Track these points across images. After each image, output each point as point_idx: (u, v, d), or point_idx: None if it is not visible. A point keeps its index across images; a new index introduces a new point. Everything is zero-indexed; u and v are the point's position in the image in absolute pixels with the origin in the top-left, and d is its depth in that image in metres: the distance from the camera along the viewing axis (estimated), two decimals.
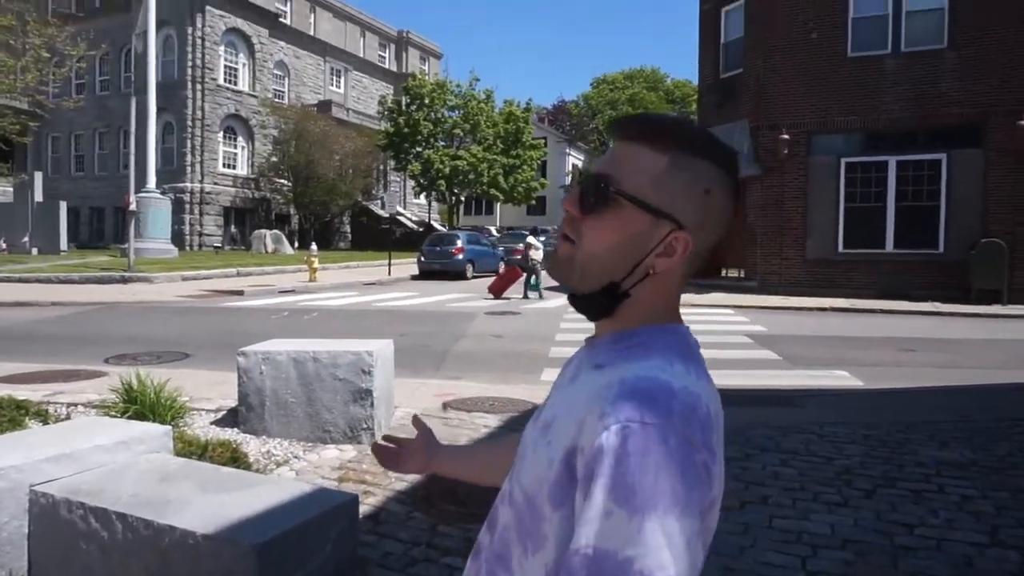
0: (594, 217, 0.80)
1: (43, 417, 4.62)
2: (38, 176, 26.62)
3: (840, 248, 15.48)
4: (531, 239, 16.81)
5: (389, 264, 21.55)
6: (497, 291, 16.04)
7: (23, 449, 2.97)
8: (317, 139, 35.27)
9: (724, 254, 18.27)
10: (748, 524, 3.40)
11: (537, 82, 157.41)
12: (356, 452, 4.41)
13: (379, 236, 34.16)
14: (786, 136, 15.34)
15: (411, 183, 42.57)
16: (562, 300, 15.36)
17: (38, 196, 25.47)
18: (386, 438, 1.26)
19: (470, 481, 1.20)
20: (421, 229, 39.17)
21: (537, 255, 16.19)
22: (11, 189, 28.19)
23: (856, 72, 15.10)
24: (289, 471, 4.11)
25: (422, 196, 42.79)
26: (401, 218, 41.37)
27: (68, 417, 4.65)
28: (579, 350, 0.91)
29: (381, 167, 42.72)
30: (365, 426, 4.51)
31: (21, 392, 5.16)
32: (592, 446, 0.69)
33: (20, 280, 16.77)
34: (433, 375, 6.90)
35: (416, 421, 1.26)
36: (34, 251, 24.47)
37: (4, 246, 25.54)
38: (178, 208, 30.96)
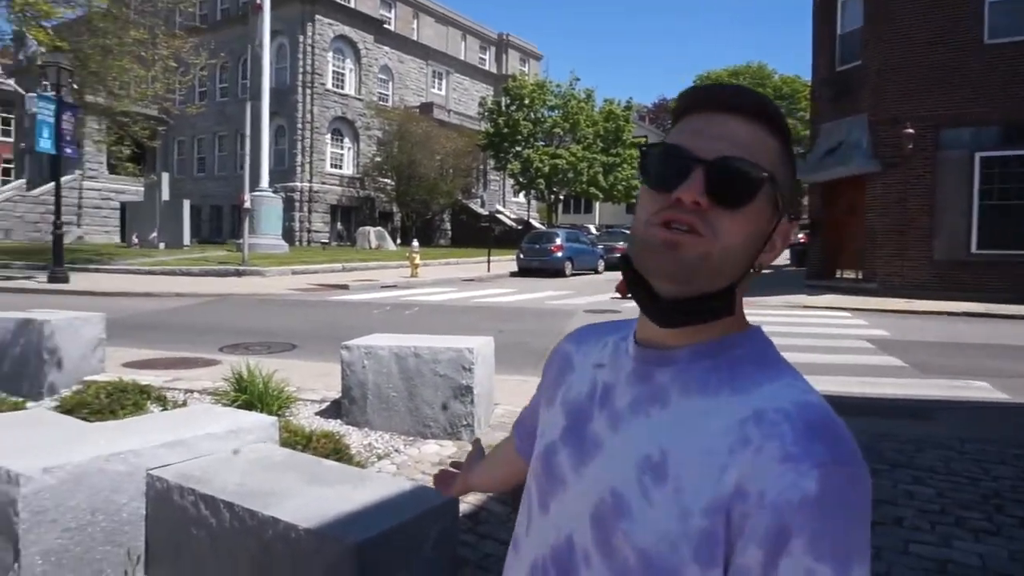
0: (731, 209, 0.70)
1: (163, 402, 4.82)
2: (165, 177, 28.58)
3: (973, 248, 14.24)
4: None
5: (488, 261, 21.70)
6: (625, 289, 15.51)
7: (141, 434, 3.06)
8: (419, 140, 36.11)
9: (836, 254, 17.28)
10: (881, 548, 3.07)
11: (638, 81, 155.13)
12: (456, 448, 4.35)
13: (478, 233, 34.56)
14: (911, 130, 14.26)
15: (510, 182, 42.84)
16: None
17: (165, 195, 27.32)
18: (453, 464, 1.29)
19: (499, 491, 1.22)
20: (520, 227, 39.34)
21: None
22: (142, 189, 30.44)
23: (994, 60, 13.83)
24: (390, 465, 4.09)
25: (521, 195, 42.97)
26: (500, 216, 41.70)
27: (184, 403, 4.83)
28: (604, 362, 0.83)
29: (481, 166, 43.26)
30: (465, 423, 4.45)
31: (145, 377, 5.43)
32: (776, 494, 0.62)
33: (148, 272, 17.99)
34: (533, 373, 6.78)
35: (475, 443, 1.27)
36: (161, 245, 26.26)
37: (136, 241, 27.56)
38: (289, 206, 32.42)
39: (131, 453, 2.86)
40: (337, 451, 4.02)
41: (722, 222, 0.70)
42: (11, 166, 37.60)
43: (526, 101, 39.02)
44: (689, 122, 0.75)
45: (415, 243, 20.04)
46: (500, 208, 43.06)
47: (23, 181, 34.70)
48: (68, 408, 4.46)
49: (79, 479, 2.68)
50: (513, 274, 21.37)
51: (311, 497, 2.69)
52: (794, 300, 14.22)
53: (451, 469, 1.27)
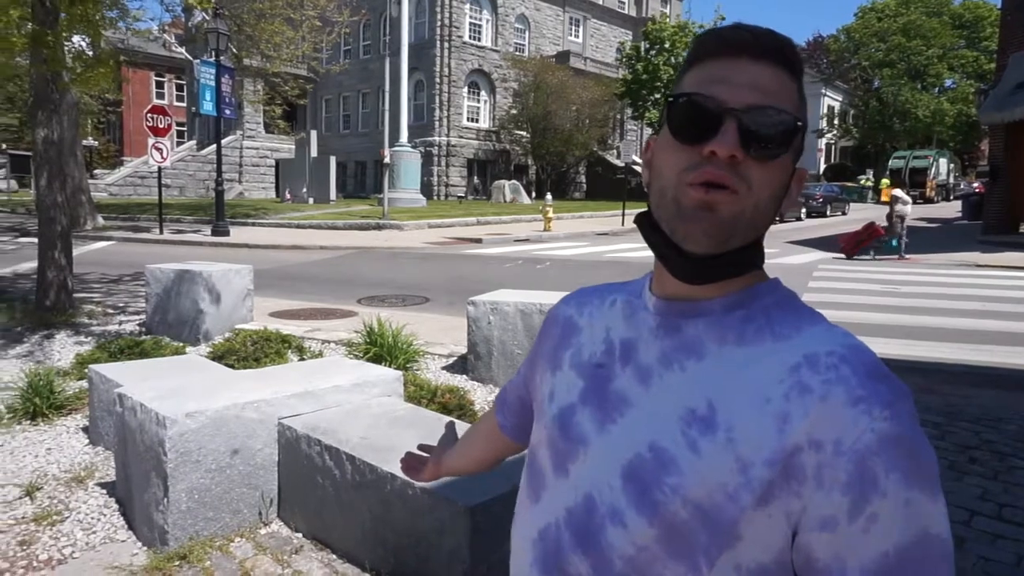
0: (767, 159, 0.68)
1: (301, 352, 5.08)
2: (313, 134, 30.13)
3: None
4: (898, 191, 14.16)
5: (623, 214, 21.23)
6: (849, 248, 13.81)
7: (275, 384, 3.20)
8: (554, 90, 35.62)
9: (1020, 206, 15.34)
10: None
11: (789, 17, 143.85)
12: None
13: (613, 186, 33.87)
14: None
15: (648, 132, 41.48)
16: (814, 255, 13.98)
17: (313, 152, 28.85)
18: (421, 447, 1.25)
19: (475, 473, 1.17)
20: None
21: (905, 209, 13.66)
22: (293, 147, 32.31)
23: None
24: None
25: None
26: (636, 167, 40.61)
27: (320, 354, 5.06)
28: (616, 321, 0.81)
29: (617, 116, 42.12)
30: None
31: (287, 327, 5.75)
32: (855, 440, 0.61)
33: (297, 226, 19.16)
34: None
35: (447, 426, 1.24)
36: (310, 200, 27.88)
37: (289, 196, 29.44)
38: (427, 160, 33.25)
39: (264, 402, 2.99)
40: (461, 407, 4.05)
41: (755, 174, 0.68)
42: (184, 128, 41.12)
43: (667, 45, 37.28)
44: (710, 69, 0.71)
45: (548, 196, 19.92)
46: (636, 159, 41.90)
47: (193, 142, 37.91)
48: (218, 355, 4.80)
49: (218, 424, 2.84)
50: None
51: None
52: (965, 258, 12.83)
53: (419, 453, 1.25)
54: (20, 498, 3.14)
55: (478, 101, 38.75)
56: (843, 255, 13.76)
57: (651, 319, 0.76)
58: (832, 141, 57.13)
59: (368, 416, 3.12)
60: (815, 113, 51.04)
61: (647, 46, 38.23)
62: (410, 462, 1.24)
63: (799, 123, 0.69)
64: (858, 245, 13.83)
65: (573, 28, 44.34)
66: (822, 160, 55.05)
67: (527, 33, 40.99)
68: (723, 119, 0.67)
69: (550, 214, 18.86)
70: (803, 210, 25.92)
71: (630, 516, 0.69)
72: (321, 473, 2.83)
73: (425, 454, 1.25)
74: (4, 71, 7.71)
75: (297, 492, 2.98)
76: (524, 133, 37.50)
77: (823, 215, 27.65)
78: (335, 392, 3.23)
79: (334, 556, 2.77)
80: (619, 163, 35.38)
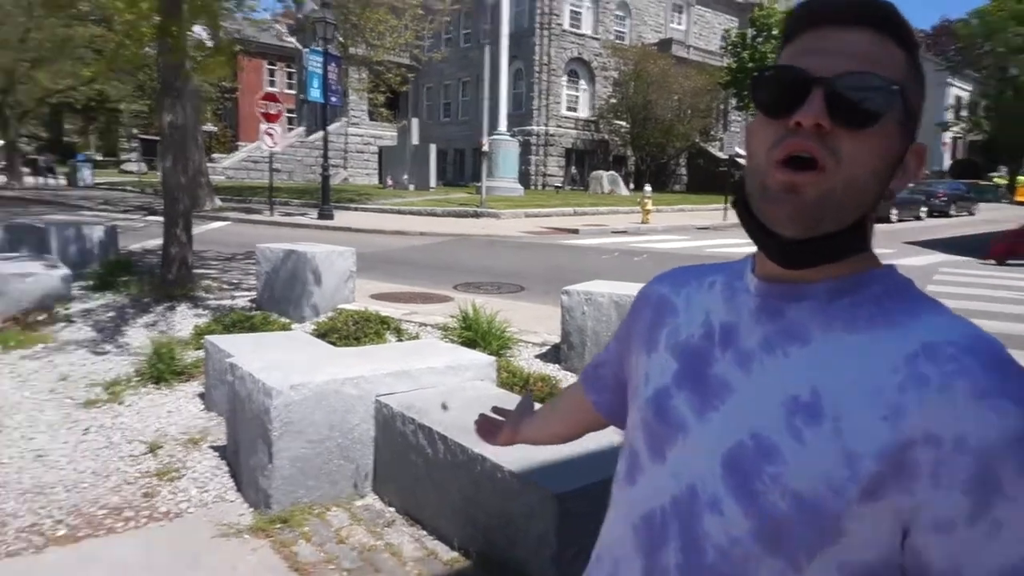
0: (858, 131, 0.64)
1: (399, 333, 5.23)
2: (415, 122, 30.84)
3: None
4: None
5: (725, 208, 20.60)
6: (1002, 253, 12.39)
7: (373, 362, 3.31)
8: (655, 79, 34.89)
9: None
10: None
11: (915, 2, 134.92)
12: None
13: (715, 179, 32.91)
14: None
15: None
16: (935, 257, 13.11)
17: (414, 140, 29.53)
18: (494, 409, 1.24)
19: (554, 444, 1.17)
20: None
21: None
22: (395, 134, 33.20)
23: None
24: None
25: None
26: (740, 160, 39.29)
27: (417, 336, 5.20)
28: (716, 303, 0.78)
29: (721, 106, 40.85)
30: None
31: (387, 310, 5.93)
32: (979, 438, 0.57)
33: (398, 212, 19.70)
34: None
35: (525, 391, 1.15)
36: (411, 187, 28.59)
37: (391, 182, 30.31)
38: (525, 149, 33.37)
39: (362, 379, 3.11)
40: (552, 395, 4.07)
41: (846, 146, 0.64)
42: (294, 115, 43.03)
43: (774, 32, 35.75)
44: (802, 41, 0.68)
45: (647, 188, 19.58)
46: (740, 151, 40.52)
47: (302, 128, 39.62)
48: (322, 332, 5.02)
49: (319, 398, 2.98)
50: None
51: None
52: None
53: (493, 416, 1.23)
54: (144, 454, 3.41)
55: (577, 90, 38.49)
56: (992, 260, 12.42)
57: (752, 302, 0.73)
58: (959, 135, 53.17)
59: (460, 398, 3.18)
60: (939, 104, 47.66)
61: (753, 33, 36.82)
62: (485, 425, 1.24)
63: (895, 87, 0.65)
64: (1012, 251, 12.40)
65: (676, 15, 43.24)
66: (947, 155, 51.46)
67: (628, 20, 40.29)
68: (810, 88, 0.64)
69: (648, 206, 18.55)
70: (923, 209, 24.41)
71: (728, 505, 0.67)
72: (414, 451, 2.92)
73: (500, 418, 1.23)
74: (135, 60, 8.30)
75: (391, 468, 3.08)
76: (623, 123, 36.97)
77: (946, 215, 25.83)
78: (430, 373, 3.32)
79: (424, 532, 2.86)
80: (722, 155, 34.25)
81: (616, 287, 4.60)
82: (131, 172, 36.88)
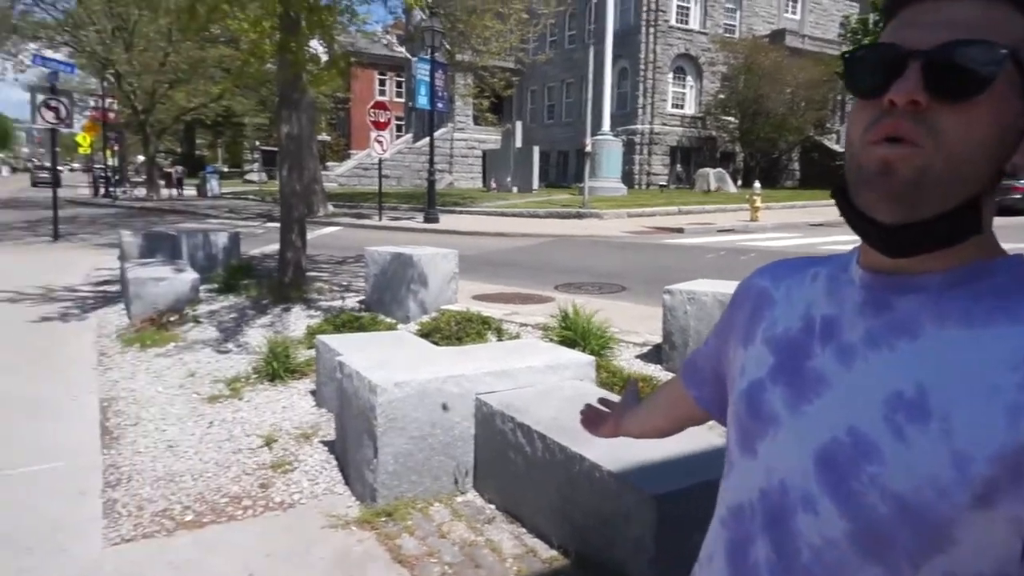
0: (960, 104, 0.59)
1: (499, 333, 5.29)
2: (518, 125, 31.15)
3: None
4: None
5: None
6: None
7: (473, 361, 3.37)
8: (767, 72, 33.54)
9: None
10: None
11: None
12: None
13: (831, 173, 31.27)
14: None
15: None
16: None
17: (518, 143, 29.81)
18: (600, 401, 1.24)
19: (657, 438, 1.14)
20: None
21: None
22: (499, 138, 33.65)
23: None
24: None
25: None
26: None
27: (518, 336, 5.24)
28: (817, 296, 0.74)
29: (838, 97, 38.76)
30: None
31: (488, 310, 6.02)
32: None
33: (500, 214, 19.94)
34: None
35: (630, 382, 1.21)
36: (514, 189, 28.88)
37: (494, 185, 30.74)
38: (628, 149, 32.97)
39: (463, 378, 3.17)
40: None
41: (946, 122, 0.59)
42: (402, 123, 44.50)
43: None
44: (901, 17, 0.64)
45: (756, 185, 18.83)
46: None
47: (410, 135, 40.90)
48: (425, 332, 5.15)
49: (422, 395, 3.06)
50: None
51: (619, 441, 2.68)
52: None
53: (600, 407, 1.22)
54: (261, 447, 3.61)
55: (683, 87, 37.62)
56: None
57: (857, 294, 0.69)
58: None
59: (559, 398, 3.18)
60: None
61: (876, 18, 34.67)
62: (590, 415, 1.23)
63: (1003, 51, 0.58)
64: None
65: (790, 4, 41.42)
66: None
67: (738, 13, 38.99)
68: (905, 63, 0.60)
69: (757, 203, 17.85)
70: None
71: (823, 505, 0.64)
72: (513, 449, 2.94)
73: (606, 409, 1.24)
74: (258, 76, 8.84)
75: (491, 465, 3.12)
76: (732, 119, 35.80)
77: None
78: (529, 372, 3.33)
79: (523, 530, 2.87)
80: (839, 148, 32.55)
81: (720, 286, 4.46)
82: (253, 182, 39.31)
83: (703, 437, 2.77)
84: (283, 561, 2.64)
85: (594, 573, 2.52)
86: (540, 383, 3.34)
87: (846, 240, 12.71)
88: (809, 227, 17.18)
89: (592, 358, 3.59)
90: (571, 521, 2.65)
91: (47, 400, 4.35)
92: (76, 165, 63.45)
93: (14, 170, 43.71)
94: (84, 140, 33.41)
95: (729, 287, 4.41)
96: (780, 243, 13.61)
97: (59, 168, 16.56)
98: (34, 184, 42.78)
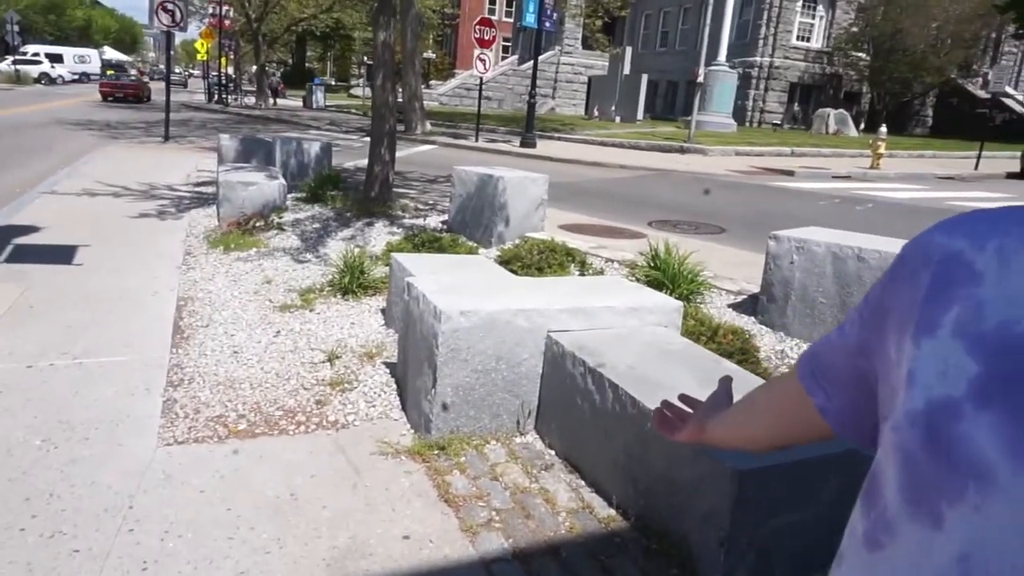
0: None
1: (583, 267, 4.98)
2: (628, 51, 29.69)
3: None
4: None
5: (979, 156, 17.70)
6: None
7: (549, 296, 3.09)
8: (911, 3, 30.33)
9: None
10: None
11: None
12: None
13: (970, 122, 28.42)
14: None
15: None
16: None
17: (626, 69, 28.50)
18: (682, 398, 1.03)
19: (735, 448, 0.90)
20: None
21: None
22: (606, 63, 32.30)
23: None
24: None
25: None
26: (1007, 101, 33.43)
27: (602, 271, 4.91)
28: None
29: (993, 34, 34.74)
30: None
31: (574, 241, 5.69)
32: None
33: (601, 143, 19.23)
34: None
35: (721, 382, 0.98)
36: (617, 119, 27.80)
37: (597, 113, 29.70)
38: (743, 83, 30.96)
39: (536, 312, 2.90)
40: (743, 351, 3.62)
41: None
42: (509, 44, 43.40)
43: None
44: None
45: (883, 129, 17.25)
46: (1010, 90, 34.43)
47: (515, 57, 39.91)
48: (506, 259, 4.90)
49: (489, 327, 2.82)
50: (1011, 175, 17.07)
51: (699, 398, 2.37)
52: None
53: (678, 404, 1.01)
54: (323, 362, 3.51)
55: (813, 17, 34.69)
56: None
57: None
58: None
59: (638, 344, 2.88)
60: None
61: None
62: (665, 416, 1.00)
63: None
64: None
65: None
66: None
67: None
68: None
69: (881, 149, 16.39)
70: None
71: None
72: (581, 395, 2.68)
73: (686, 408, 0.99)
74: None
75: (556, 409, 2.88)
76: (863, 55, 32.84)
77: None
78: (608, 313, 3.03)
79: (582, 483, 2.64)
80: (983, 94, 29.38)
81: (837, 237, 3.95)
82: (357, 96, 39.64)
83: None
84: (328, 484, 2.52)
85: (656, 541, 2.27)
86: (620, 326, 3.04)
87: (980, 195, 11.53)
88: (937, 179, 15.69)
89: (680, 303, 3.24)
90: (635, 482, 2.39)
91: (129, 293, 4.41)
92: (195, 71, 65.93)
93: (141, 74, 45.82)
94: (202, 46, 34.38)
95: (849, 239, 3.90)
96: (903, 195, 12.47)
97: (176, 72, 17.03)
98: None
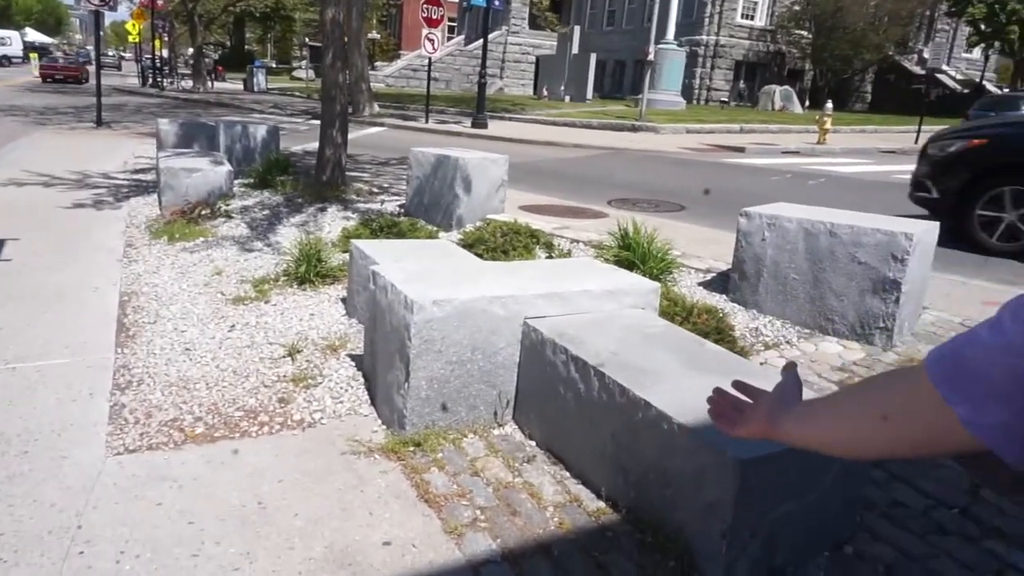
0: None
1: (549, 248, 4.85)
2: (576, 30, 29.54)
3: None
4: None
5: (918, 130, 18.18)
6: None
7: (522, 280, 2.95)
8: None
9: None
10: None
11: None
12: (864, 354, 3.55)
13: (906, 97, 29.20)
14: None
15: (967, 31, 34.76)
16: None
17: (575, 49, 28.35)
18: (736, 384, 0.94)
19: (824, 451, 0.77)
20: (967, 91, 32.19)
21: None
22: (554, 43, 32.12)
23: None
24: (778, 358, 3.50)
25: (977, 50, 34.69)
26: (941, 76, 34.52)
27: (569, 253, 4.79)
28: None
29: (927, 12, 35.75)
30: (882, 324, 3.57)
31: (536, 222, 5.56)
32: None
33: (552, 123, 19.10)
34: (975, 274, 5.34)
35: (786, 368, 0.87)
36: (567, 98, 27.69)
37: (546, 93, 29.51)
38: (691, 62, 31.17)
39: (511, 299, 2.76)
40: (719, 331, 3.55)
41: None
42: (455, 24, 42.76)
43: None
44: None
45: (828, 105, 17.54)
46: (943, 66, 35.54)
47: (462, 37, 39.38)
48: (469, 243, 4.73)
49: (463, 316, 2.67)
50: None
51: (689, 386, 2.28)
52: None
53: (735, 394, 0.90)
54: (283, 357, 3.30)
55: None
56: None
57: None
58: None
59: (618, 328, 2.76)
60: None
61: None
62: (723, 406, 0.89)
63: None
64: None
65: None
66: None
67: None
68: None
69: (827, 124, 16.69)
70: None
71: None
72: (564, 384, 2.56)
73: (743, 397, 0.88)
74: None
75: (535, 398, 2.75)
76: (805, 32, 33.42)
77: None
78: (585, 297, 2.91)
79: (567, 474, 2.52)
80: (918, 70, 30.24)
81: (809, 213, 3.91)
82: (300, 79, 38.57)
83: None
84: (298, 489, 2.34)
85: (650, 534, 2.17)
86: (597, 310, 2.92)
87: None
88: (881, 153, 16.06)
89: (656, 284, 3.14)
90: (625, 472, 2.28)
91: (67, 289, 4.10)
92: (126, 54, 63.20)
93: (67, 56, 43.65)
94: (134, 28, 32.89)
95: (818, 214, 3.86)
96: (850, 169, 12.72)
97: (108, 55, 16.22)
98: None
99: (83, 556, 1.96)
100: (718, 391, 0.90)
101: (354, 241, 3.92)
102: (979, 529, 2.30)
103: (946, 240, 5.08)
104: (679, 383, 2.31)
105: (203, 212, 5.61)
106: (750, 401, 0.86)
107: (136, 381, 3.01)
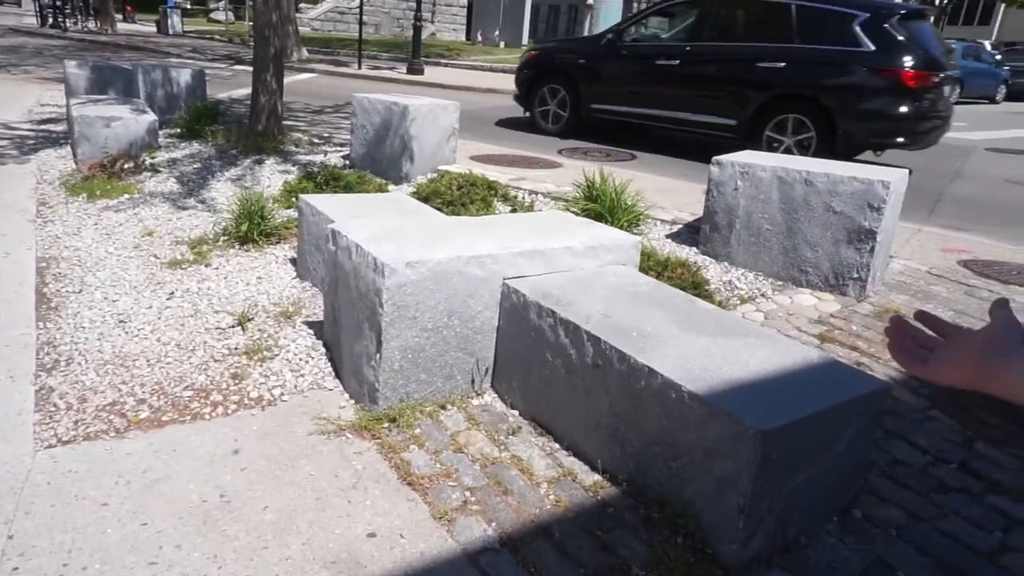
0: None
1: (509, 201, 4.61)
2: None
3: None
4: None
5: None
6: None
7: (498, 238, 2.72)
8: None
9: None
10: None
11: None
12: (839, 305, 3.49)
13: None
14: None
15: None
16: None
17: None
18: (919, 316, 0.73)
19: None
20: None
21: None
22: None
23: None
24: (755, 311, 3.40)
25: None
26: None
27: (531, 206, 4.57)
28: None
29: None
30: (856, 275, 3.51)
31: (491, 173, 5.30)
32: None
33: (489, 69, 18.55)
34: (925, 221, 5.39)
35: (998, 306, 0.66)
36: (501, 44, 27.00)
37: (480, 38, 28.68)
38: (627, 8, 30.77)
39: (489, 258, 2.53)
40: (695, 284, 3.42)
41: None
42: None
43: None
44: None
45: None
46: None
47: None
48: (424, 196, 4.45)
49: (439, 279, 2.43)
50: None
51: (691, 348, 2.12)
52: None
53: (919, 326, 0.72)
54: (233, 327, 3.00)
55: None
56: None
57: None
58: None
59: (603, 287, 2.58)
60: None
61: None
62: (902, 338, 0.71)
63: None
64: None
65: None
66: None
67: None
68: None
69: None
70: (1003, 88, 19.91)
71: None
72: (552, 349, 2.36)
73: (929, 331, 0.71)
74: None
75: (517, 365, 2.56)
76: None
77: None
78: (567, 254, 2.71)
79: (557, 446, 2.36)
80: None
81: (783, 161, 3.79)
82: (219, 21, 36.30)
83: (798, 349, 2.21)
84: (264, 478, 2.10)
85: (655, 509, 2.03)
86: (578, 267, 2.73)
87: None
88: None
89: (637, 239, 2.97)
90: (623, 444, 2.13)
91: None
92: None
93: None
94: None
95: (794, 163, 3.74)
96: None
97: None
98: None
99: (18, 573, 1.68)
100: (897, 320, 0.72)
101: (303, 196, 3.59)
102: (980, 484, 2.26)
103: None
104: (680, 347, 2.15)
105: (126, 166, 5.10)
106: (938, 338, 0.68)
107: (64, 360, 2.67)
